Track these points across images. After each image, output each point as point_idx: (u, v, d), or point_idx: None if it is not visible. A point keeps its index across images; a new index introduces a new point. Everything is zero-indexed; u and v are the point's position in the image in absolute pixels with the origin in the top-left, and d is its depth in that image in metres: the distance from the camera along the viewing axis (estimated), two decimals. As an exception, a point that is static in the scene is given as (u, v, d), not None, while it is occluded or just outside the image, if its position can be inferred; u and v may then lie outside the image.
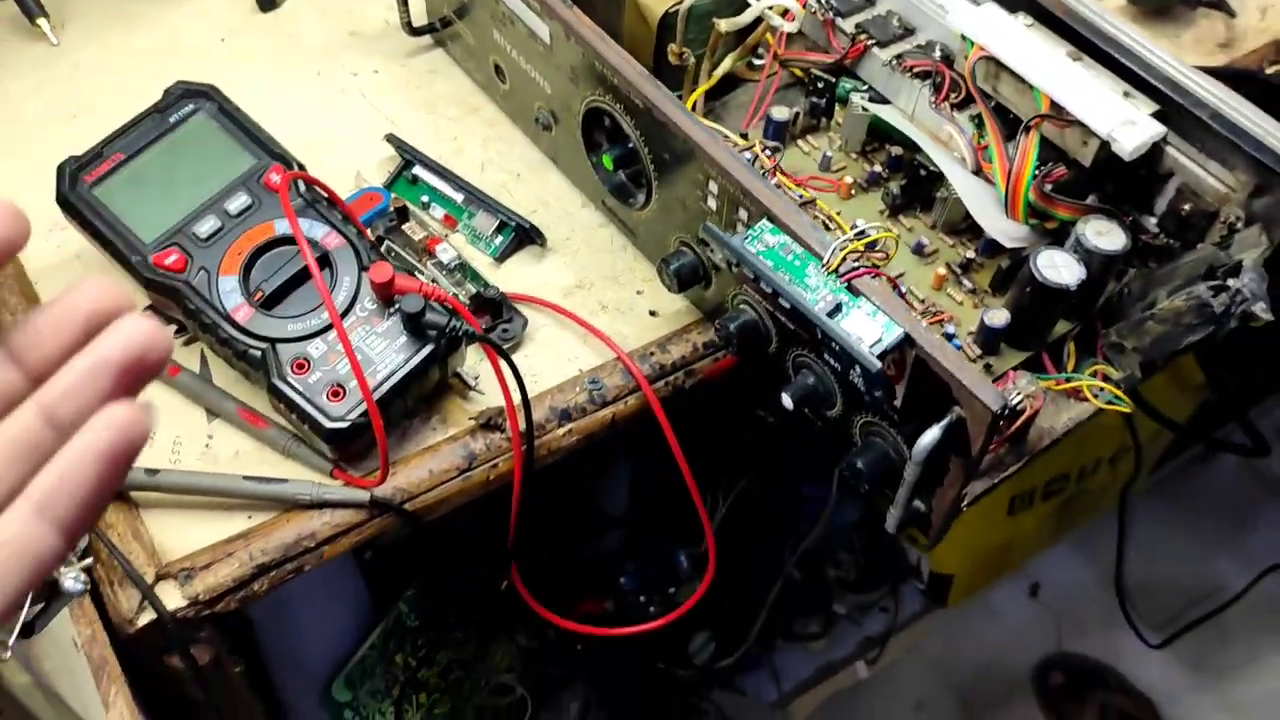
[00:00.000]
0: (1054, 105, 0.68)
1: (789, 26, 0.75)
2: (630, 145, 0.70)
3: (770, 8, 0.74)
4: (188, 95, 0.69)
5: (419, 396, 0.66)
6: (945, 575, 1.46)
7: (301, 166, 0.69)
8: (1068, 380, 0.67)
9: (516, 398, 0.65)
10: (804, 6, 0.77)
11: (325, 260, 0.65)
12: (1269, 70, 0.89)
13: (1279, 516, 1.79)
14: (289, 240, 0.65)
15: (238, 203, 0.66)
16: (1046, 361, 0.70)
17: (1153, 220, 0.73)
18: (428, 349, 0.64)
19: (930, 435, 0.56)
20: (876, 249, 0.63)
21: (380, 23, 0.87)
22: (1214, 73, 0.88)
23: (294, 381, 0.62)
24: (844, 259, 0.58)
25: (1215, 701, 1.63)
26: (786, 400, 0.64)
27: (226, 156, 0.68)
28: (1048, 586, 1.75)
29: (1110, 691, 1.59)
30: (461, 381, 0.68)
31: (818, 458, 1.23)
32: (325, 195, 0.67)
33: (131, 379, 0.32)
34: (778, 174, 0.70)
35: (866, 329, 0.56)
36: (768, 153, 0.72)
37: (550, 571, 1.03)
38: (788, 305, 0.57)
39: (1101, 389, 0.68)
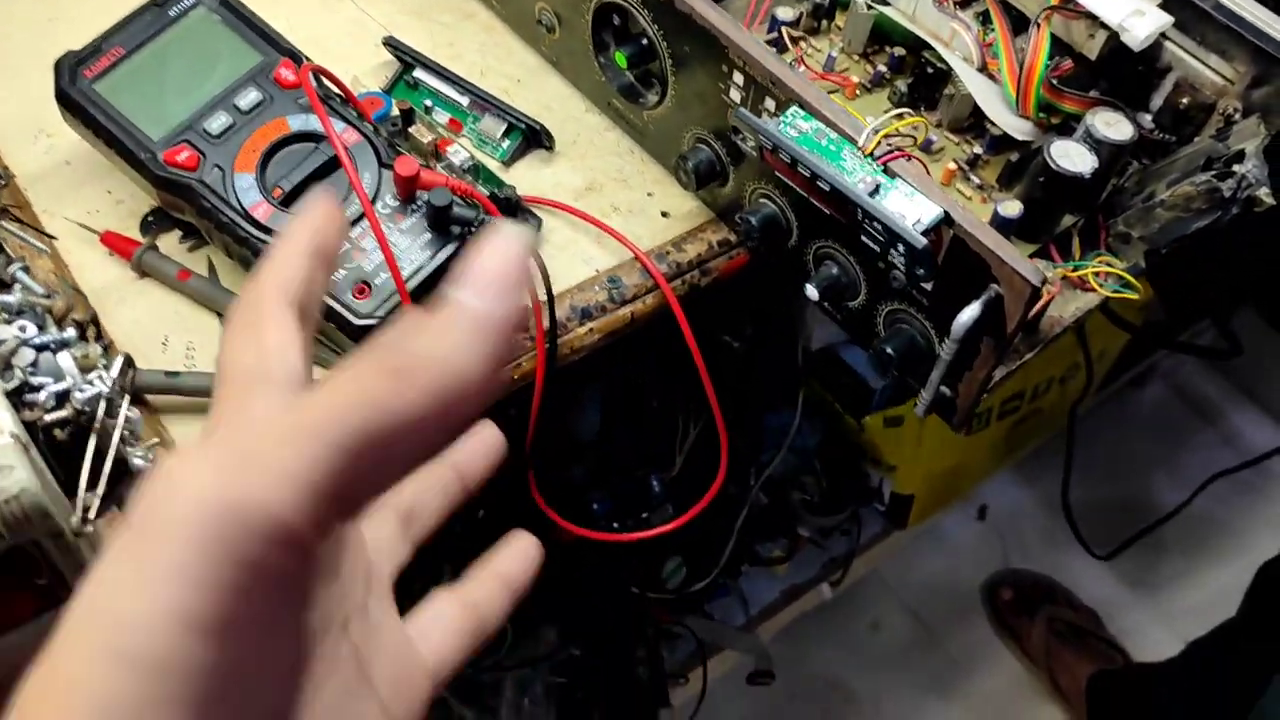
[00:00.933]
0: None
1: (793, -75, 0.74)
2: (644, 42, 0.69)
3: (775, -95, 0.74)
4: None
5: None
6: (906, 496, 1.49)
7: (310, 61, 0.67)
8: (1075, 270, 0.69)
9: (541, 295, 0.65)
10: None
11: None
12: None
13: (1208, 436, 1.87)
14: (304, 137, 0.63)
15: (248, 98, 0.64)
16: (1053, 253, 0.71)
17: (1148, 116, 0.74)
18: (453, 245, 0.63)
19: (970, 312, 0.57)
20: (905, 135, 0.63)
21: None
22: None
23: (317, 279, 0.60)
24: (879, 142, 0.59)
25: (1155, 613, 1.70)
26: (811, 291, 0.64)
27: (232, 52, 0.65)
28: (994, 510, 1.80)
29: (1056, 605, 1.65)
30: (481, 281, 0.67)
31: (781, 385, 1.24)
32: (339, 92, 0.65)
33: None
34: (803, 64, 0.70)
35: (907, 208, 0.57)
36: (792, 41, 0.72)
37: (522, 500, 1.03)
38: (827, 188, 0.58)
39: (1109, 275, 0.70)
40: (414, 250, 0.62)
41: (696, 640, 1.33)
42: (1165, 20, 0.68)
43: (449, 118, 0.75)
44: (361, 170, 0.63)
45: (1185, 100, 0.72)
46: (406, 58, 0.76)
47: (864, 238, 0.59)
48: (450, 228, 0.62)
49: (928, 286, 0.60)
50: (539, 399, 0.67)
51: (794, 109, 0.61)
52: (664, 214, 0.73)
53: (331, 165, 0.63)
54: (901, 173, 0.58)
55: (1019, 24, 0.73)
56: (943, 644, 1.65)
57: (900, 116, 0.62)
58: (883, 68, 0.77)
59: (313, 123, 0.63)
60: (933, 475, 1.50)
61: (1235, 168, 0.67)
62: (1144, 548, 1.61)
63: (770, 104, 0.63)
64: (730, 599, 1.45)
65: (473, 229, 0.62)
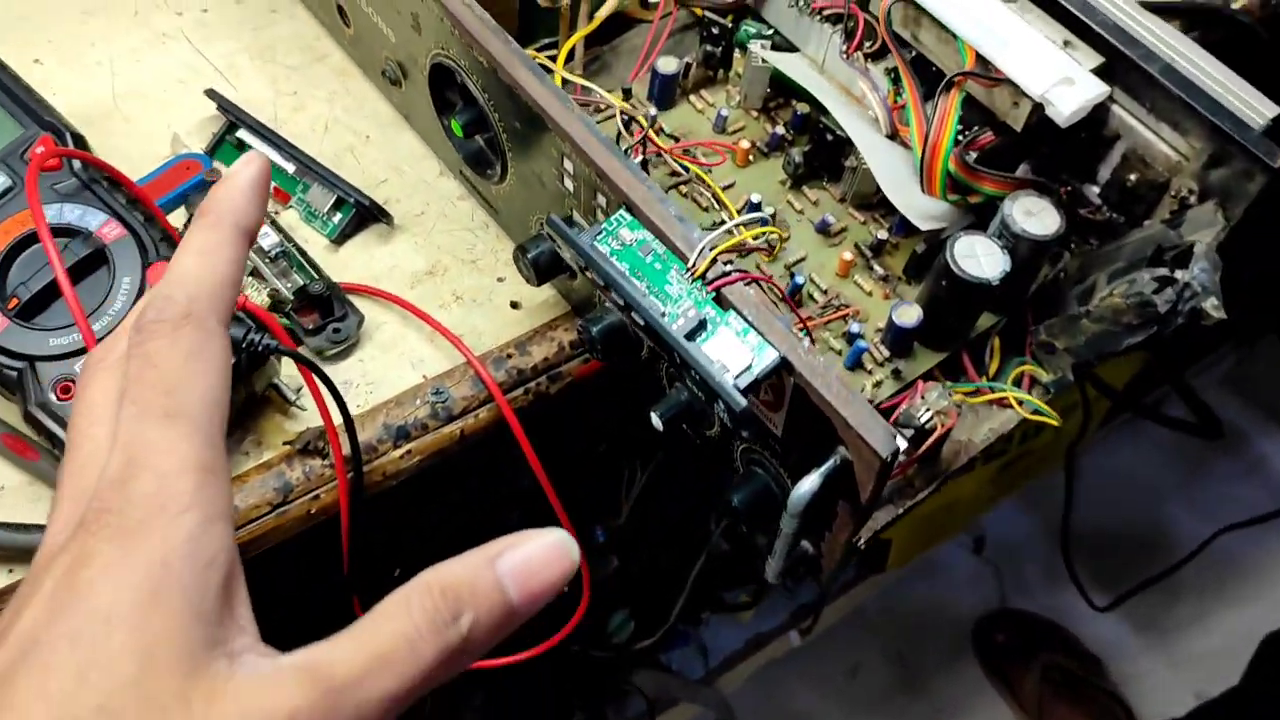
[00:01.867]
0: (980, 59, 0.57)
1: (673, -39, 0.63)
2: (481, 108, 0.59)
3: (652, -60, 0.63)
4: None
5: (235, 420, 0.55)
6: (883, 540, 1.38)
7: (79, 137, 0.57)
8: (990, 390, 0.58)
9: (338, 418, 0.55)
10: (695, -62, 0.66)
11: (100, 257, 0.54)
12: (1237, 5, 0.79)
13: (1229, 465, 1.73)
14: (60, 231, 0.54)
15: None
16: (966, 362, 0.60)
17: (1095, 190, 0.63)
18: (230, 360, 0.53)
19: (808, 485, 0.46)
20: (759, 240, 0.53)
21: (212, -48, 0.75)
22: (1169, 9, 0.77)
23: (56, 408, 0.51)
24: (713, 261, 0.48)
25: (1163, 659, 1.57)
26: (655, 420, 0.54)
27: None
28: (992, 540, 1.68)
29: (1055, 652, 1.54)
30: (280, 395, 0.58)
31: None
32: (106, 174, 0.56)
33: None
34: (644, 149, 0.59)
35: (734, 353, 0.46)
36: (646, 118, 0.61)
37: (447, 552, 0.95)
38: (641, 321, 0.47)
39: (1025, 400, 0.59)
40: (178, 370, 0.52)
41: (646, 699, 1.24)
42: (1098, 92, 0.56)
43: (275, 186, 0.65)
44: (122, 273, 0.53)
45: (1134, 176, 0.60)
46: (230, 114, 0.66)
47: (689, 382, 0.48)
48: (222, 343, 0.52)
49: (777, 432, 0.49)
50: (348, 533, 0.57)
51: (621, 212, 0.50)
52: (514, 304, 0.63)
53: (93, 262, 0.54)
54: (738, 302, 0.47)
55: (936, 82, 0.61)
56: (928, 690, 1.55)
57: (750, 225, 0.51)
58: (783, 127, 0.66)
59: (69, 214, 0.54)
60: (914, 516, 1.38)
61: (1178, 274, 0.55)
62: (1153, 590, 1.49)
63: (602, 200, 0.52)
64: (689, 649, 1.35)
65: (243, 348, 0.52)
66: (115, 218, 0.54)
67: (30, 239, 0.54)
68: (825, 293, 0.60)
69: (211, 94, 0.67)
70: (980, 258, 0.55)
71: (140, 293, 0.53)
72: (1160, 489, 1.66)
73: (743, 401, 0.44)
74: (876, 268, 0.62)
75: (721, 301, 0.47)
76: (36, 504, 0.54)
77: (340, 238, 0.64)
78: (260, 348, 0.52)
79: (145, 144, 0.66)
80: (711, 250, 0.48)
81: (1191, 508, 1.62)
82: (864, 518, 0.48)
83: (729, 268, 0.48)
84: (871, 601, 1.57)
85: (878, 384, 0.58)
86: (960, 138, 0.59)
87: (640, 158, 0.53)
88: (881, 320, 0.60)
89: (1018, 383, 0.60)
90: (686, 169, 0.61)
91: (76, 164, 0.55)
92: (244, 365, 0.53)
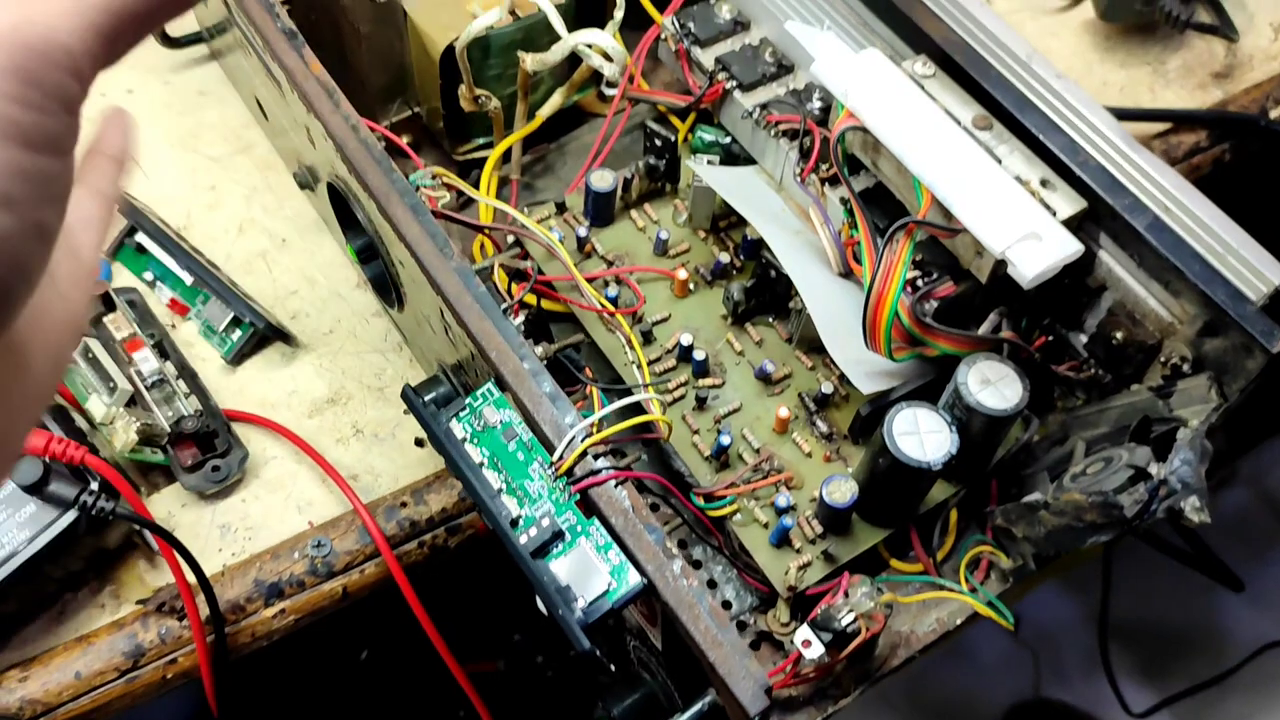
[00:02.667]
0: (937, 203, 0.50)
1: (608, 70, 0.56)
2: (371, 238, 0.53)
3: (588, 45, 0.56)
4: None
5: (67, 573, 0.50)
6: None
7: None
8: (934, 586, 0.50)
9: (189, 575, 0.49)
10: (662, 35, 0.59)
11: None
12: (1275, 114, 0.69)
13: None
14: None
15: None
16: (915, 540, 0.53)
17: (1082, 339, 0.55)
18: (67, 520, 0.48)
19: (673, 731, 0.39)
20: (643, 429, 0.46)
21: (148, 27, 0.70)
22: (1198, 119, 0.69)
23: None
24: (582, 454, 0.41)
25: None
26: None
27: None
28: (1030, 623, 1.58)
29: (1088, 751, 1.43)
30: (144, 543, 0.52)
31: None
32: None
33: None
34: (535, 305, 0.52)
35: (591, 574, 0.39)
36: (577, 238, 0.54)
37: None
38: (489, 526, 0.41)
39: (991, 569, 0.51)
40: (9, 528, 0.47)
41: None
42: (1069, 252, 0.48)
43: (172, 297, 0.60)
44: None
45: (1121, 334, 0.52)
46: (130, 218, 0.61)
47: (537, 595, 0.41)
48: (52, 499, 0.47)
49: (656, 643, 0.43)
50: (214, 696, 0.52)
51: (489, 386, 0.44)
52: (419, 442, 0.57)
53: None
54: (605, 508, 0.40)
55: (901, 213, 0.54)
56: (950, 782, 1.45)
57: (641, 410, 0.44)
58: (730, 254, 0.59)
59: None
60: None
61: (1154, 468, 0.47)
62: (1196, 698, 1.38)
63: (482, 361, 0.46)
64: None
65: (85, 511, 0.47)
66: None
67: None
68: (758, 452, 0.53)
69: (114, 193, 0.61)
70: (922, 435, 0.48)
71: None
72: (1205, 581, 1.54)
73: (586, 644, 0.37)
74: (819, 423, 0.54)
75: (587, 506, 0.41)
76: None
77: (238, 357, 0.59)
78: (102, 514, 0.47)
79: (46, 242, 0.62)
80: (582, 441, 0.41)
81: (1260, 597, 1.50)
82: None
83: (600, 464, 0.41)
84: (894, 682, 1.48)
85: (804, 566, 0.50)
86: (919, 283, 0.52)
87: (520, 319, 0.46)
88: (819, 487, 0.53)
89: (974, 565, 0.52)
90: (603, 307, 0.54)
91: None
92: (83, 528, 0.48)
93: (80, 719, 0.50)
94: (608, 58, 0.55)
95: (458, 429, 0.43)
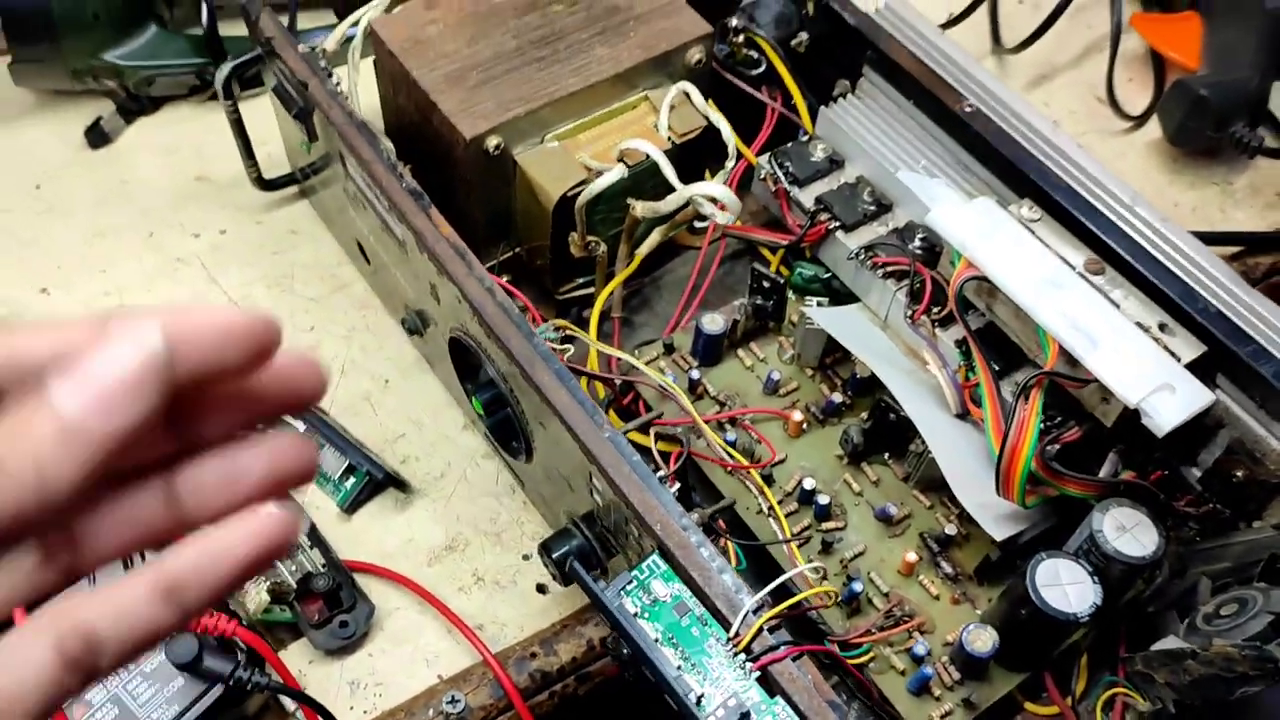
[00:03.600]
0: (1064, 353, 0.51)
1: (721, 218, 0.57)
2: (503, 394, 0.53)
3: (701, 196, 0.57)
4: None
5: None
6: None
7: None
8: (1075, 728, 0.51)
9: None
10: (759, 175, 0.60)
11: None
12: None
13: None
14: None
15: None
16: (1049, 684, 0.53)
17: (1195, 473, 0.55)
18: (215, 693, 0.48)
19: None
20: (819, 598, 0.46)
21: (237, 165, 0.70)
22: (1274, 239, 0.71)
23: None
24: (760, 630, 0.42)
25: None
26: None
27: None
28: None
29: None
30: (279, 707, 0.52)
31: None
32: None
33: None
34: (683, 468, 0.52)
35: (782, 758, 0.39)
36: (690, 381, 0.55)
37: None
38: (673, 707, 0.41)
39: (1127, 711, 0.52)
40: (158, 704, 0.47)
41: None
42: (1203, 402, 0.49)
43: (284, 446, 0.60)
44: None
45: (1241, 473, 0.53)
46: (239, 365, 0.61)
47: (728, 779, 0.41)
48: (206, 674, 0.47)
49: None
50: None
51: (654, 559, 0.44)
52: (540, 589, 0.57)
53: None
54: (787, 686, 0.41)
55: (1016, 358, 0.55)
56: None
57: (817, 573, 0.44)
58: (840, 394, 0.59)
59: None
60: None
61: (1300, 617, 0.48)
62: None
63: (634, 529, 0.46)
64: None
65: (236, 685, 0.47)
66: None
67: None
68: (887, 596, 0.54)
69: (221, 340, 0.62)
70: (1066, 587, 0.49)
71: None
72: None
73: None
74: (944, 565, 0.55)
75: (768, 684, 0.41)
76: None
77: (352, 506, 0.59)
78: (252, 685, 0.47)
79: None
80: (757, 617, 0.42)
81: None
82: None
83: (776, 640, 0.42)
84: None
85: (946, 715, 0.51)
86: (1042, 428, 0.53)
87: (675, 487, 0.47)
88: (949, 629, 0.53)
89: (1109, 706, 0.53)
90: (732, 457, 0.55)
91: None
92: (230, 697, 0.48)
93: None
94: (721, 207, 0.56)
95: (629, 604, 0.43)
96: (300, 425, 0.60)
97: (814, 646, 0.43)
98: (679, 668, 0.42)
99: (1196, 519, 0.56)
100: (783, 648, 0.41)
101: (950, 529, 0.55)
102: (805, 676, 0.41)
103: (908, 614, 0.53)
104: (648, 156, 0.57)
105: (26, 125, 0.73)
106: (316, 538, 0.57)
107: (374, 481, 0.59)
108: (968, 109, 0.58)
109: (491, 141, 0.56)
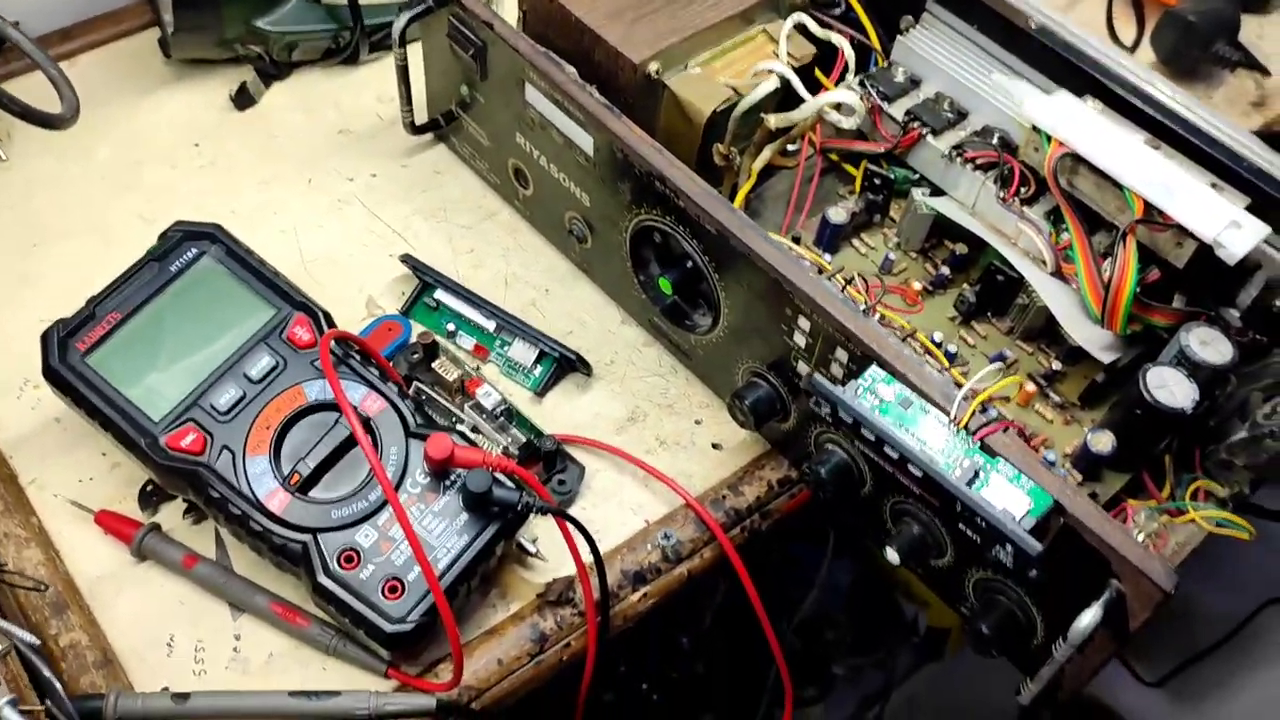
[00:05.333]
0: (1148, 206, 0.63)
1: (848, 123, 0.68)
2: (689, 265, 0.63)
3: (829, 104, 0.68)
4: (189, 238, 0.60)
5: (483, 577, 0.58)
6: (942, 629, 1.42)
7: (327, 314, 0.60)
8: (1178, 510, 0.62)
9: (587, 556, 0.58)
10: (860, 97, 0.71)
11: (367, 428, 0.56)
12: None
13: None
14: (324, 406, 0.57)
15: (260, 365, 0.57)
16: (1147, 481, 0.65)
17: (1235, 314, 0.68)
18: (494, 527, 0.56)
19: (1090, 616, 0.50)
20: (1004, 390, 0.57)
21: (372, 118, 0.79)
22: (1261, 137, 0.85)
23: (344, 578, 0.53)
24: (973, 412, 0.52)
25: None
26: (892, 555, 0.58)
27: (241, 309, 0.59)
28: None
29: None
30: (520, 549, 0.60)
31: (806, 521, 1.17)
32: (359, 350, 0.59)
33: None
34: (880, 292, 0.63)
35: (1011, 499, 0.50)
36: (867, 282, 0.65)
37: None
38: (920, 473, 0.51)
39: (1208, 498, 0.64)
40: (450, 535, 0.55)
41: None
42: (1263, 230, 0.62)
43: (475, 343, 0.69)
44: (388, 444, 0.56)
45: (1278, 303, 0.66)
46: (426, 277, 0.69)
47: (962, 525, 0.52)
48: (491, 509, 0.55)
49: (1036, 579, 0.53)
50: (589, 680, 0.60)
51: (873, 370, 0.55)
52: (715, 446, 0.67)
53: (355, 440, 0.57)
54: (1003, 451, 0.51)
55: (1091, 221, 0.67)
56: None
57: (1000, 372, 0.55)
58: (944, 269, 0.71)
59: (330, 391, 0.57)
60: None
61: (1355, 394, 0.60)
62: (1207, 670, 1.52)
63: (843, 354, 0.57)
64: (767, 747, 1.37)
65: (515, 510, 0.55)
66: (374, 390, 0.57)
67: (300, 414, 0.56)
68: (1013, 422, 0.65)
69: (407, 259, 0.70)
70: (1172, 387, 0.60)
71: (406, 461, 0.56)
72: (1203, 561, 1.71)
73: (1038, 545, 0.48)
74: (1053, 395, 0.66)
75: (988, 449, 0.52)
76: (304, 670, 0.56)
77: (542, 390, 0.67)
78: (532, 508, 0.55)
79: (341, 307, 0.69)
80: (970, 401, 0.52)
81: (1232, 580, 1.67)
82: (1124, 645, 0.52)
83: (985, 416, 0.52)
84: (927, 694, 1.59)
85: (1077, 507, 0.62)
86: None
87: (877, 317, 0.57)
88: (1066, 444, 0.64)
89: (1194, 497, 0.65)
90: (884, 316, 0.66)
91: (334, 346, 0.58)
92: (511, 525, 0.56)
93: (498, 700, 0.57)
94: (850, 111, 0.67)
95: (866, 403, 0.53)
96: (491, 324, 0.68)
97: (1017, 425, 0.54)
98: (918, 445, 0.52)
99: (1241, 347, 0.69)
100: (994, 423, 0.52)
101: (1055, 366, 0.67)
102: (1016, 442, 0.52)
103: (1033, 433, 0.65)
104: (776, 74, 0.68)
105: (171, 94, 0.79)
106: (520, 418, 0.65)
107: (560, 365, 0.67)
108: (1033, 25, 0.71)
109: (653, 66, 0.66)
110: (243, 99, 0.78)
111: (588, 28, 0.67)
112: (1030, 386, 0.65)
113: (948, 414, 0.53)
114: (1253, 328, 0.68)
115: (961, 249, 0.70)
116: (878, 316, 0.66)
